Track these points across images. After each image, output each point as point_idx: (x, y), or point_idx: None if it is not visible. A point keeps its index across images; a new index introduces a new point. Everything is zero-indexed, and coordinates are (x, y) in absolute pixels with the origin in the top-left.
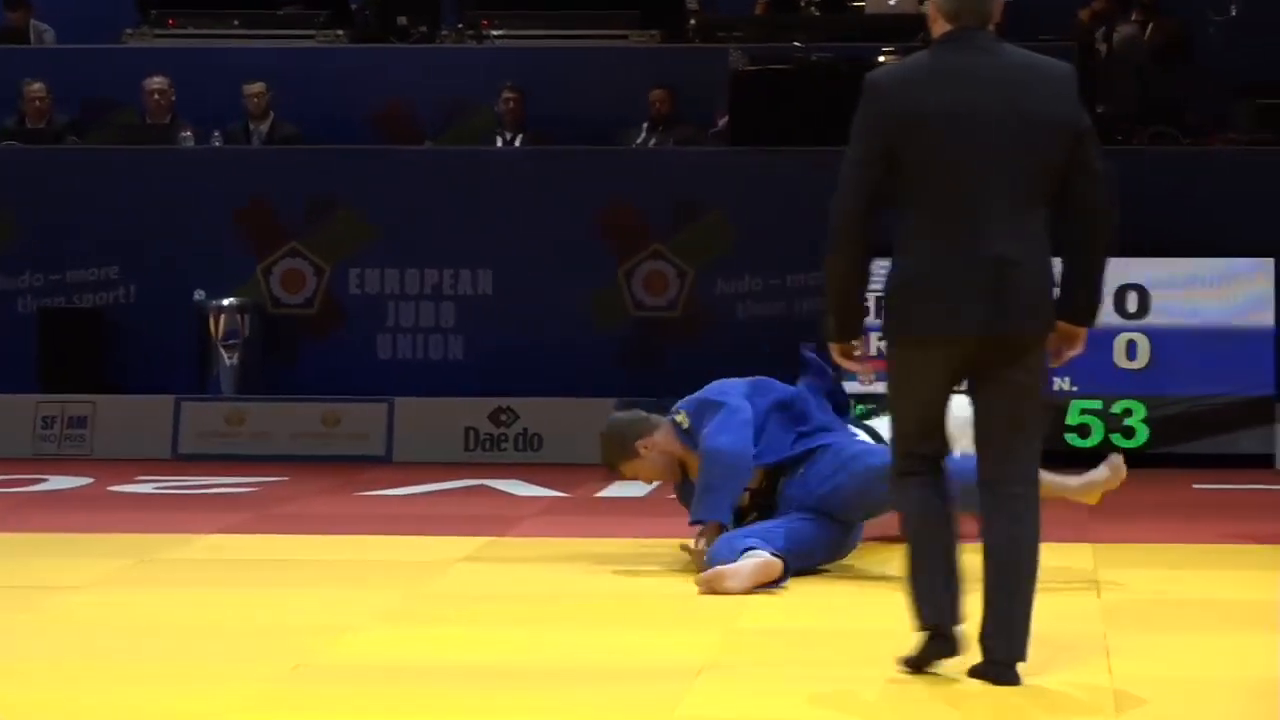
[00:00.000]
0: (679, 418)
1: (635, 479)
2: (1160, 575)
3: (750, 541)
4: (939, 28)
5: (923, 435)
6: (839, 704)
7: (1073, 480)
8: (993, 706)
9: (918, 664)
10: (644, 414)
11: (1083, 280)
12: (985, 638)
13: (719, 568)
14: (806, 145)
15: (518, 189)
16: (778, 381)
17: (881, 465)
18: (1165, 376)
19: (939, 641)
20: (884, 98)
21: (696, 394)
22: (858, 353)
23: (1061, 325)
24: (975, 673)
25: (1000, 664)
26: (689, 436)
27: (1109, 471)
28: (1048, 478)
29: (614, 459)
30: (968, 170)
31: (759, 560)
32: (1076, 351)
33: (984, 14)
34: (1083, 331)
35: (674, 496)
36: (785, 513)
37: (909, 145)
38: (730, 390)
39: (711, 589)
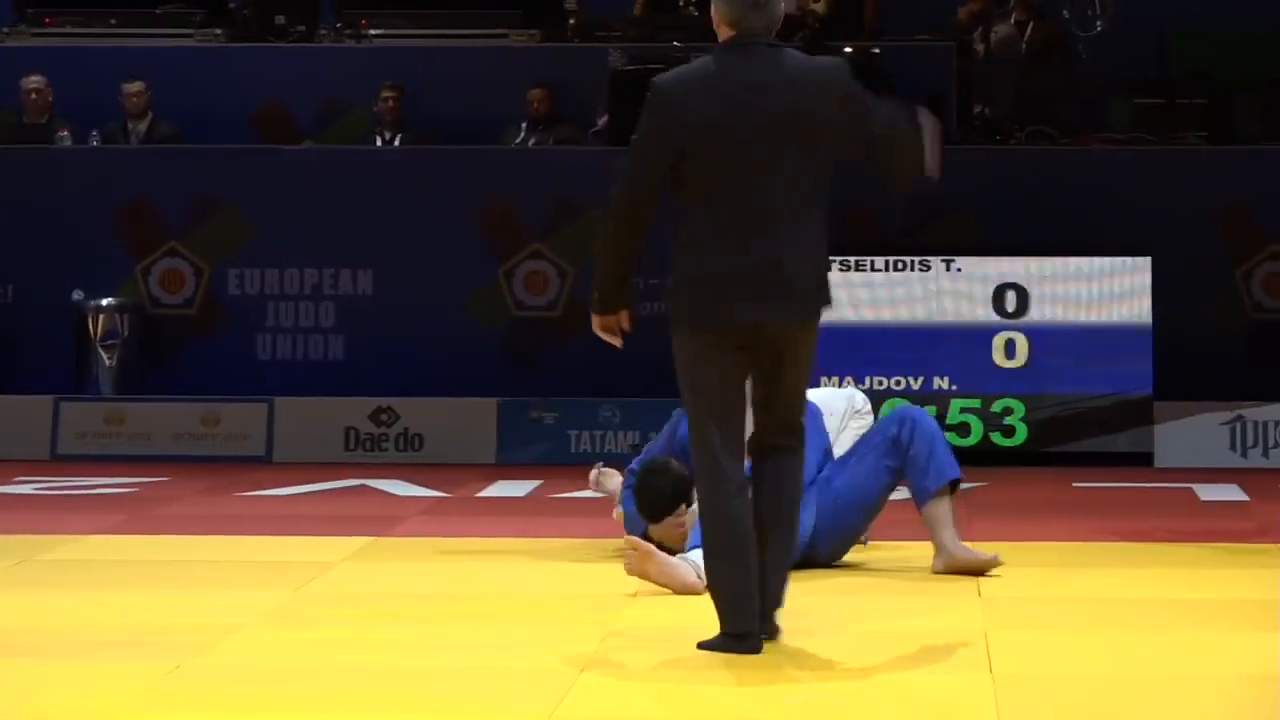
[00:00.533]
0: None
1: (661, 540)
2: (1040, 574)
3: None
4: (723, 33)
5: (715, 418)
6: (720, 704)
7: (957, 548)
8: (866, 706)
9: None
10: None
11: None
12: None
13: (652, 549)
14: None
15: (397, 189)
16: None
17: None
18: (1044, 375)
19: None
20: (668, 101)
21: None
22: (622, 325)
23: None
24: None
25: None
26: None
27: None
28: (940, 521)
29: (659, 514)
30: (747, 172)
31: (686, 580)
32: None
33: (766, 22)
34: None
35: (595, 472)
36: None
37: (691, 147)
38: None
39: (633, 569)
